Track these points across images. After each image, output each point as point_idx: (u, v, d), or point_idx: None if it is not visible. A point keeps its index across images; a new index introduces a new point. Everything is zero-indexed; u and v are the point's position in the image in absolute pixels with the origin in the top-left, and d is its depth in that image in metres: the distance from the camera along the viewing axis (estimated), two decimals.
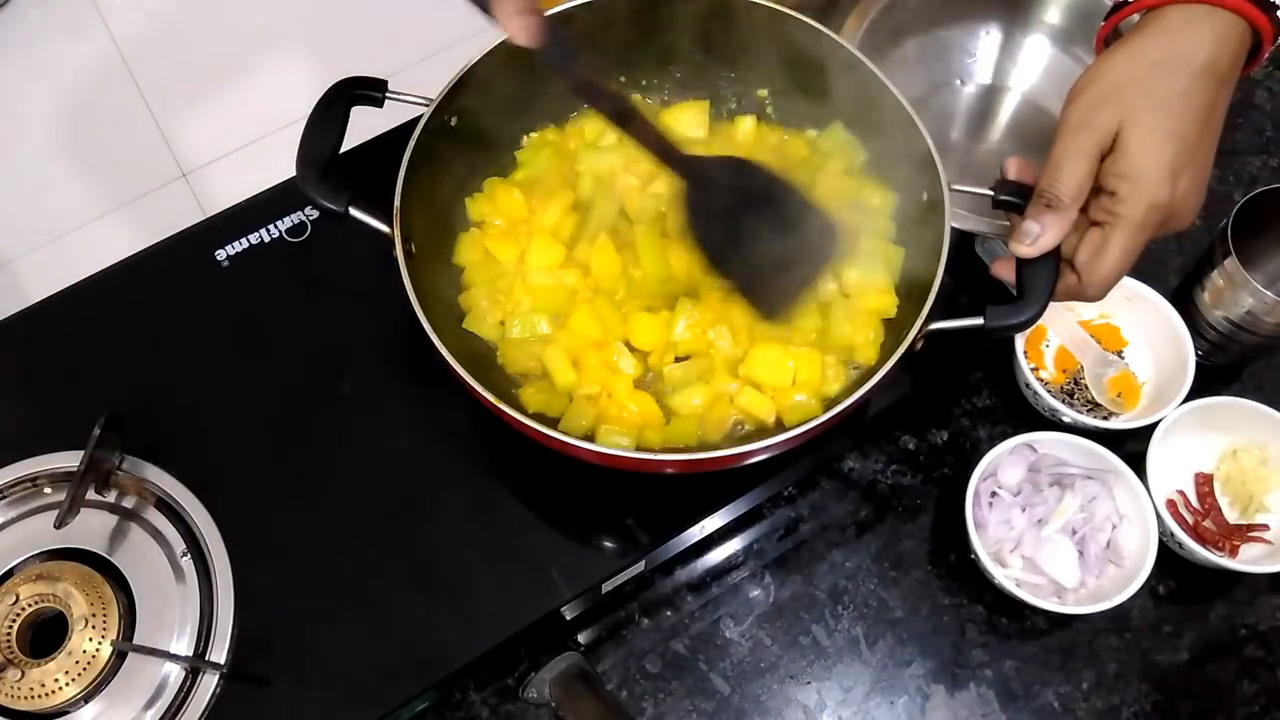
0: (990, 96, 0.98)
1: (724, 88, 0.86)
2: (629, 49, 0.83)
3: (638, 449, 0.71)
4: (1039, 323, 0.70)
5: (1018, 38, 0.97)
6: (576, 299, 0.76)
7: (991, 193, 0.68)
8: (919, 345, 0.67)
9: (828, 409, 0.66)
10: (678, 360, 0.75)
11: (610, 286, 0.76)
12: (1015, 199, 0.67)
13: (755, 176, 0.72)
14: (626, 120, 0.67)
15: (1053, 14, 0.96)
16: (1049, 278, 0.64)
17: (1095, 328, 0.90)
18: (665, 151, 0.69)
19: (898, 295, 0.76)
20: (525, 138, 0.84)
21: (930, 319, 0.66)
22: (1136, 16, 0.65)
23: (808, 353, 0.73)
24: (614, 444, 0.70)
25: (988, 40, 0.98)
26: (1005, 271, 0.67)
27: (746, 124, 0.84)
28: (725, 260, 0.71)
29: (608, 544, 0.77)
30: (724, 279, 0.72)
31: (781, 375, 0.72)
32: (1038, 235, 0.63)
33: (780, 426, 0.72)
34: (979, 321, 0.65)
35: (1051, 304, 0.65)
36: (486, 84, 0.76)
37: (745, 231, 0.70)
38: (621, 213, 0.79)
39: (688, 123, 0.83)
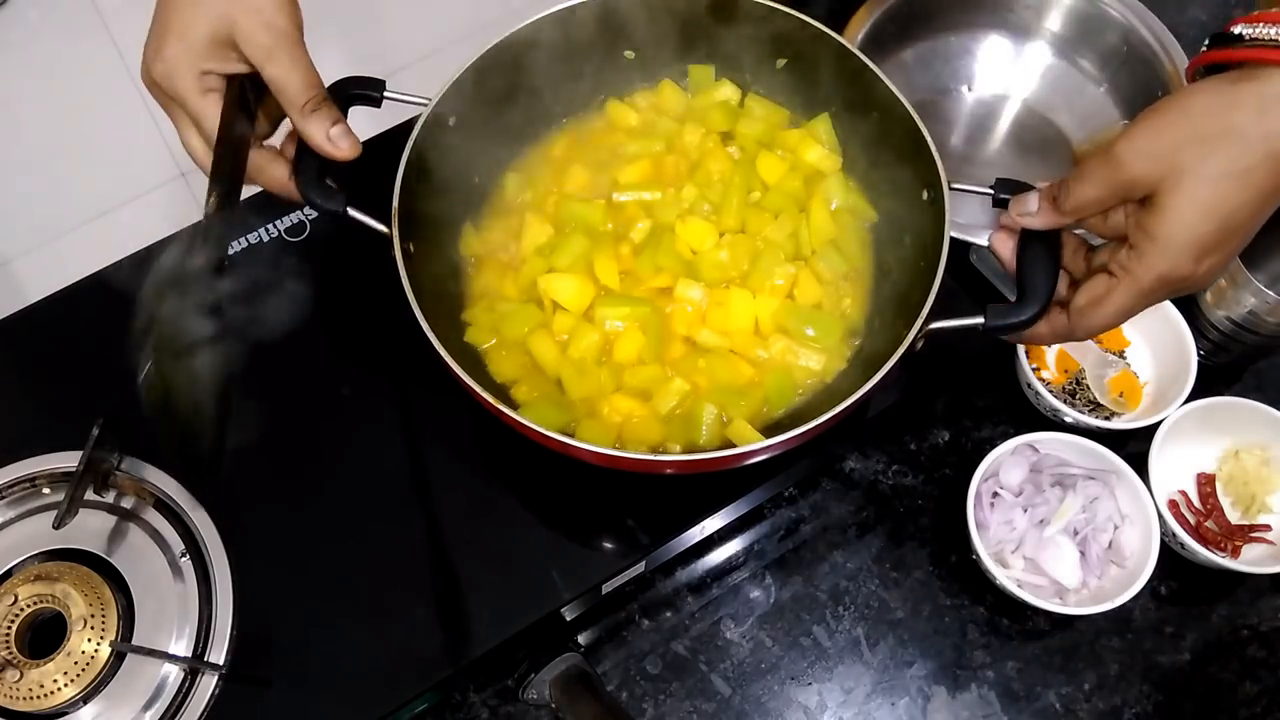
0: (992, 103, 0.98)
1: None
2: (623, 40, 0.82)
3: (635, 449, 0.71)
4: None
5: (1020, 44, 0.97)
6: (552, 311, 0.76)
7: (991, 191, 0.68)
8: (919, 345, 0.67)
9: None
10: None
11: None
12: None
13: None
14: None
15: (1054, 21, 0.96)
16: (1049, 278, 0.64)
17: None
18: None
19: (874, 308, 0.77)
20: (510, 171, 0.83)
21: (930, 318, 0.66)
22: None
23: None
24: (610, 444, 0.70)
25: (990, 46, 0.98)
26: (1001, 246, 0.66)
27: (727, 89, 0.84)
28: None
29: (608, 545, 0.76)
30: None
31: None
32: (1032, 213, 0.63)
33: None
34: (979, 321, 0.65)
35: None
36: (485, 83, 0.76)
37: None
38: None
39: (666, 96, 0.84)
